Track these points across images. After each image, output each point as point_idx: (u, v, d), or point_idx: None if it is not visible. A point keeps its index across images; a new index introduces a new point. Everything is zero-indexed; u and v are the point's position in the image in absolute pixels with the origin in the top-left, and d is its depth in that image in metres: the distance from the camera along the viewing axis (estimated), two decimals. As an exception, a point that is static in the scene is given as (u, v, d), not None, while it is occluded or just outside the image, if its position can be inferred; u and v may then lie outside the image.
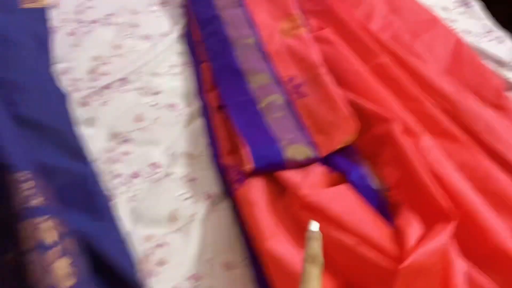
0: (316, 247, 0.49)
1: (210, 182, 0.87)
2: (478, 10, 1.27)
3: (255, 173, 0.81)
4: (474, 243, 0.76)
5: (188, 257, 0.78)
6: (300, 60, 0.94)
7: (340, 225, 0.68)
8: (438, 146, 0.86)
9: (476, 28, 1.21)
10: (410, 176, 0.76)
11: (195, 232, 0.80)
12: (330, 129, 0.84)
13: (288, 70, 0.94)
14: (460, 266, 0.69)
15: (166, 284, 0.74)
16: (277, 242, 0.70)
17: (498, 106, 0.98)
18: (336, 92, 0.87)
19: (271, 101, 0.89)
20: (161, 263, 0.77)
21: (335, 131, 0.83)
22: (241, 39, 1.00)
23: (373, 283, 0.65)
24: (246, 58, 0.96)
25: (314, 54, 0.94)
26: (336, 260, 0.68)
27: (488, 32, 1.20)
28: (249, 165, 0.79)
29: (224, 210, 0.83)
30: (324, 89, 0.88)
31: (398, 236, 0.68)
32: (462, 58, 1.06)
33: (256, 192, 0.79)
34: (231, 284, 0.75)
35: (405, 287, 0.63)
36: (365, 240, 0.66)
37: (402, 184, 0.77)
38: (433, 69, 0.98)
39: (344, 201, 0.72)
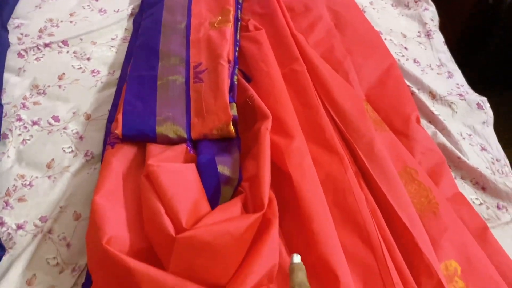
0: (300, 276, 0.54)
1: (95, 143, 0.94)
2: (440, 42, 1.25)
3: (129, 140, 0.86)
4: (304, 250, 0.76)
5: (45, 201, 0.84)
6: (211, 50, 0.99)
7: (161, 195, 0.72)
8: (313, 152, 0.87)
9: (427, 60, 1.19)
10: (256, 170, 0.78)
11: (62, 182, 0.87)
12: (207, 114, 0.88)
13: (197, 57, 0.99)
14: (268, 259, 0.71)
15: (16, 219, 0.82)
16: (104, 197, 0.75)
17: (403, 134, 0.97)
18: (226, 83, 0.91)
19: (171, 80, 0.94)
20: (20, 200, 0.84)
21: (210, 116, 0.87)
22: (173, 24, 1.06)
23: (166, 251, 0.68)
24: (168, 41, 1.02)
25: (226, 47, 0.98)
26: (146, 228, 0.72)
27: (438, 65, 1.18)
28: (117, 130, 0.85)
29: (95, 169, 0.89)
30: (218, 78, 0.92)
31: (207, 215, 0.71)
32: (387, 82, 1.06)
33: (119, 156, 0.84)
34: (71, 231, 0.81)
35: (181, 258, 0.65)
36: (171, 210, 0.69)
37: (250, 178, 0.80)
38: (341, 86, 0.99)
39: (178, 176, 0.76)
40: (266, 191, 0.73)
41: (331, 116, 0.94)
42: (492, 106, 1.09)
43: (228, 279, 0.68)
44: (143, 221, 0.74)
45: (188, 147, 0.85)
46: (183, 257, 0.66)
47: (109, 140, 0.88)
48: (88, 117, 0.98)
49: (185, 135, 0.86)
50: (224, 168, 0.82)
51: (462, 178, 0.96)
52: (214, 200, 0.77)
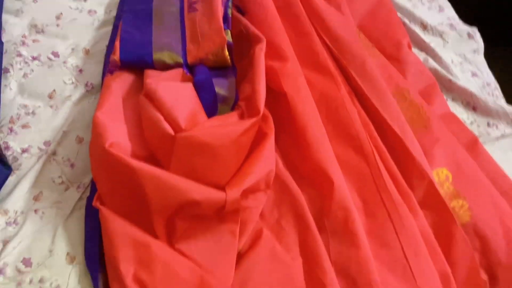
0: None
1: (95, 75, 0.96)
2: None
3: (127, 66, 0.89)
4: (299, 161, 0.79)
5: (48, 128, 0.87)
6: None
7: (160, 106, 0.74)
8: (307, 75, 0.90)
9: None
10: (252, 87, 0.81)
11: (63, 111, 0.90)
12: (202, 39, 0.90)
13: (192, -11, 1.00)
14: (265, 164, 0.73)
15: (21, 143, 0.84)
16: (105, 114, 0.77)
17: (395, 58, 1.00)
18: (220, 9, 0.93)
19: (166, 11, 0.96)
20: (24, 126, 0.87)
21: (205, 41, 0.89)
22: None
23: (166, 154, 0.70)
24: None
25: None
26: (146, 135, 0.74)
27: (429, 0, 1.20)
28: (116, 56, 0.87)
29: (95, 99, 0.92)
30: (211, 5, 0.94)
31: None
32: (379, 12, 1.08)
33: (119, 81, 0.87)
34: (74, 153, 0.84)
35: (181, 158, 0.68)
36: (170, 117, 0.72)
37: (246, 98, 0.82)
38: (334, 15, 1.00)
39: (176, 91, 0.78)
40: (261, 100, 0.76)
41: (324, 42, 0.96)
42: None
43: (227, 180, 0.71)
44: (143, 134, 0.76)
45: (185, 70, 0.87)
46: (183, 157, 0.68)
47: (108, 69, 0.90)
48: (87, 52, 1.00)
49: (182, 61, 0.88)
50: (220, 89, 0.85)
51: (453, 100, 0.99)
52: (211, 115, 0.79)
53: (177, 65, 0.88)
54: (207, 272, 0.68)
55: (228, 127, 0.70)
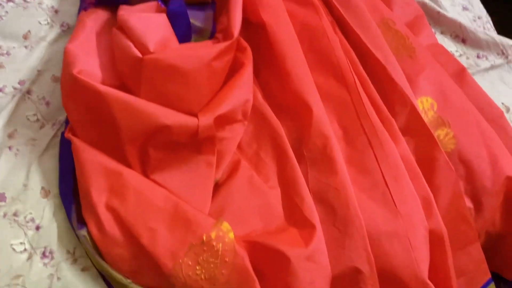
0: None
1: (71, 15, 0.93)
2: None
3: (102, 2, 0.86)
4: (279, 91, 0.77)
5: (23, 67, 0.85)
6: None
7: (130, 34, 0.72)
8: (288, 7, 0.86)
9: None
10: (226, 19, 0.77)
11: (39, 51, 0.88)
12: (178, -28, 0.86)
13: None
14: (241, 92, 0.71)
15: (-4, 83, 0.83)
16: (78, 46, 0.75)
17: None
18: None
19: None
20: (-1, 67, 0.85)
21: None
22: None
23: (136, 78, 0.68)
24: None
25: None
26: (117, 64, 0.72)
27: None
28: (91, -9, 0.84)
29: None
30: None
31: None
32: None
33: (93, 17, 0.83)
34: (49, 91, 0.82)
35: (151, 82, 0.66)
36: (140, 42, 0.69)
37: (223, 30, 0.79)
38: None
39: (148, 20, 0.75)
40: (235, 24, 0.73)
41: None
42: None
43: (201, 107, 0.69)
44: (115, 66, 0.74)
45: (160, 2, 0.84)
46: (152, 81, 0.66)
47: (83, 6, 0.88)
48: (64, -6, 0.97)
49: (157, -6, 0.85)
50: (195, 21, 0.82)
51: (442, 33, 0.95)
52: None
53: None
54: (183, 200, 0.67)
55: (200, 50, 0.68)
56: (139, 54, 0.66)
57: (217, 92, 0.72)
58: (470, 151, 0.75)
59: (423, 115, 0.76)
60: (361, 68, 0.78)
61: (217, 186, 0.72)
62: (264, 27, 0.81)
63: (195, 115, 0.68)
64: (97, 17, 0.84)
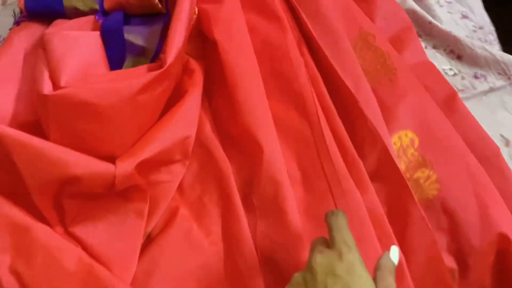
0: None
1: (8, 26, 0.83)
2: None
3: (35, 16, 0.75)
4: (230, 122, 0.66)
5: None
6: None
7: (49, 58, 0.61)
8: (250, 19, 0.74)
9: None
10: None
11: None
12: (121, -21, 0.75)
13: None
14: (177, 129, 0.60)
15: None
16: None
17: None
18: None
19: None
20: None
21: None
22: None
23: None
24: None
25: None
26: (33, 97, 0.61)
27: None
28: (20, 4, 0.74)
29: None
30: None
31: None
32: None
33: (24, 33, 0.73)
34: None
35: (59, 121, 0.55)
36: (54, 72, 0.58)
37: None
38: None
39: (75, 41, 0.64)
40: (171, 48, 0.61)
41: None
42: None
43: (124, 149, 0.58)
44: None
45: (97, 16, 0.72)
46: (61, 121, 0.55)
47: (17, 19, 0.77)
48: (3, 3, 0.87)
49: (97, 6, 0.74)
50: (136, 38, 0.70)
51: (434, 47, 0.81)
52: (117, 69, 0.65)
53: (92, 12, 0.74)
54: (101, 262, 0.56)
55: (120, 82, 0.56)
56: (44, 90, 0.54)
57: (149, 128, 0.61)
58: (455, 199, 0.62)
59: (401, 154, 0.64)
60: (327, 97, 0.66)
61: (149, 240, 0.61)
62: (216, 45, 0.69)
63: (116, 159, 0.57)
64: (28, 34, 0.74)
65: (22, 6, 0.74)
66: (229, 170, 0.63)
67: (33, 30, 0.74)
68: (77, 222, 0.59)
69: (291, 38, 0.71)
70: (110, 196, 0.59)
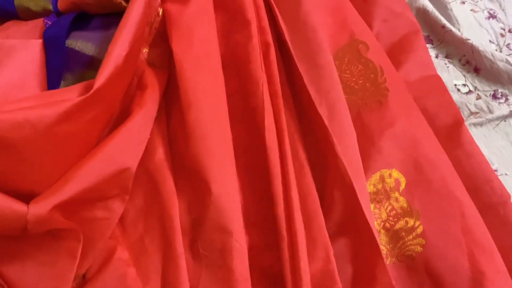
0: None
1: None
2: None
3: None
4: (183, 147, 0.57)
5: None
6: None
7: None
8: (218, 21, 0.64)
9: None
10: None
11: None
12: (76, -25, 0.66)
13: None
14: (110, 161, 0.52)
15: None
16: None
17: None
18: None
19: None
20: None
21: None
22: None
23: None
24: None
25: None
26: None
27: None
28: (-30, 3, 0.66)
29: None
30: None
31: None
32: None
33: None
34: None
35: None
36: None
37: None
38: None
39: (11, 53, 0.57)
40: (107, 65, 0.52)
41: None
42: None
43: (47, 186, 0.50)
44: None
45: (46, 21, 0.64)
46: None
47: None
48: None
49: (51, 7, 0.66)
50: (86, 45, 0.61)
51: (447, 56, 0.67)
52: (54, 87, 0.57)
53: (45, 13, 0.66)
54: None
55: (34, 112, 0.48)
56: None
57: (79, 159, 0.53)
58: (443, 259, 0.50)
59: (382, 198, 0.53)
60: (294, 124, 0.55)
61: (84, 282, 0.54)
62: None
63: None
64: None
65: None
66: (175, 209, 0.54)
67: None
68: (4, 261, 0.53)
69: (255, 47, 0.59)
70: (40, 234, 0.52)
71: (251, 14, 0.61)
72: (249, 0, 0.62)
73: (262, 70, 0.56)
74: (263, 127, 0.52)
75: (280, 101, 0.54)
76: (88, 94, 0.49)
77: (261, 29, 0.59)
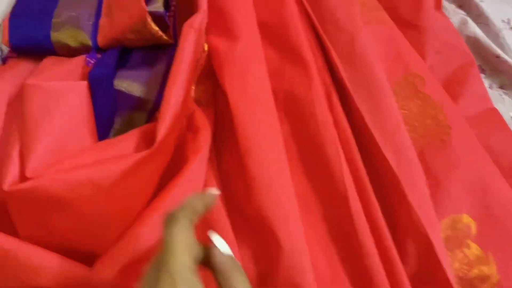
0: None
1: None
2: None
3: (22, 52, 0.65)
4: (243, 197, 0.54)
5: None
6: None
7: (25, 125, 0.51)
8: (270, 60, 0.61)
9: None
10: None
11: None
12: (116, 10, 0.63)
13: None
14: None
15: None
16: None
17: (410, 24, 0.67)
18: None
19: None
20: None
21: (119, 13, 0.62)
22: None
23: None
24: None
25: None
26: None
27: None
28: (4, 40, 0.64)
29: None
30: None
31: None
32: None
33: (11, 73, 0.64)
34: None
35: (23, 218, 0.45)
36: (26, 149, 0.48)
37: None
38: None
39: (56, 99, 0.54)
40: (167, 113, 0.49)
41: (301, 1, 0.65)
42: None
43: (108, 243, 0.48)
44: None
45: (88, 59, 0.61)
46: (27, 215, 0.45)
47: (3, 56, 0.67)
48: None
49: (90, 42, 0.63)
50: (132, 86, 0.59)
51: (501, 87, 0.65)
52: (105, 132, 0.54)
53: (84, 49, 0.63)
54: None
55: (96, 170, 0.45)
56: (4, 185, 0.44)
57: (138, 213, 0.50)
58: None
59: (453, 247, 0.51)
60: (362, 170, 0.53)
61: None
62: (227, 97, 0.57)
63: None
64: (17, 72, 0.65)
65: (7, 42, 0.64)
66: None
67: (21, 69, 0.65)
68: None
69: (316, 87, 0.57)
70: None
71: (308, 52, 0.58)
72: (302, 35, 0.59)
73: (328, 114, 0.53)
74: (340, 177, 0.50)
75: (355, 148, 0.52)
76: (152, 148, 0.47)
77: (318, 69, 0.57)
